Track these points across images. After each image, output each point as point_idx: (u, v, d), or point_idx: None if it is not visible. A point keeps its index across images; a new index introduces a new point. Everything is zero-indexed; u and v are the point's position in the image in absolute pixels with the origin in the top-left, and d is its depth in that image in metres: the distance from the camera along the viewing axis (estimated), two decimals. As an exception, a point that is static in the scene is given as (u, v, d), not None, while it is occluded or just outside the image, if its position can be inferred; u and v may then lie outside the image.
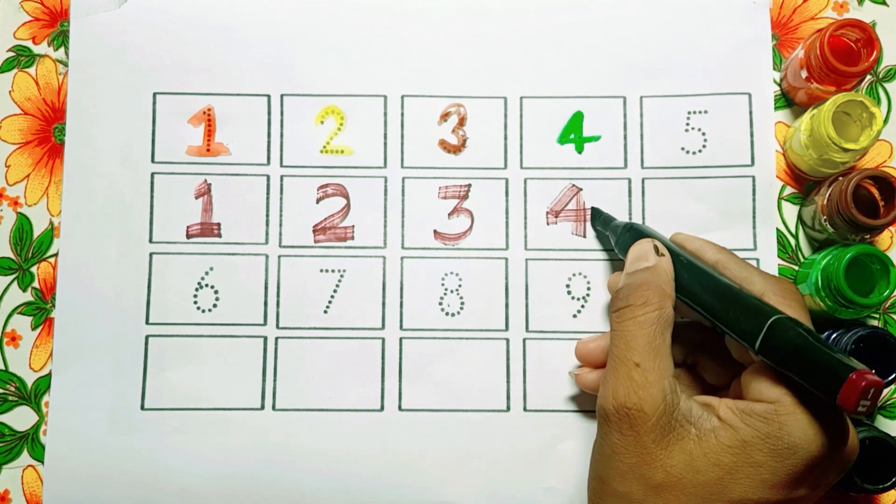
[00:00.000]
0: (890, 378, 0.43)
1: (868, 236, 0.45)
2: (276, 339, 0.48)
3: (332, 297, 0.48)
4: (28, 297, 0.49)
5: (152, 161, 0.49)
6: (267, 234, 0.49)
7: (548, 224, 0.49)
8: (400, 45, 0.50)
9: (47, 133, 0.50)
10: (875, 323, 0.48)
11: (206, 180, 0.49)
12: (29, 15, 0.51)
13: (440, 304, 0.48)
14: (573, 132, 0.49)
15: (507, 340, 0.48)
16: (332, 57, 0.50)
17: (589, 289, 0.48)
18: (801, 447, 0.34)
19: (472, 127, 0.50)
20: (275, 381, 0.48)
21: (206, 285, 0.49)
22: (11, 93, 0.50)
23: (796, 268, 0.48)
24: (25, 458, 0.48)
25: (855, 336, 0.43)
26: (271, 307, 0.48)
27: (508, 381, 0.48)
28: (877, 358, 0.44)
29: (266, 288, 0.49)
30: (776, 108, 0.49)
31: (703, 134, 0.49)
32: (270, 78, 0.50)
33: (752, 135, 0.49)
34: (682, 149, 0.49)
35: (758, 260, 0.48)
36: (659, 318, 0.38)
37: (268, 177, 0.49)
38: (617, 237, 0.45)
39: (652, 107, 0.49)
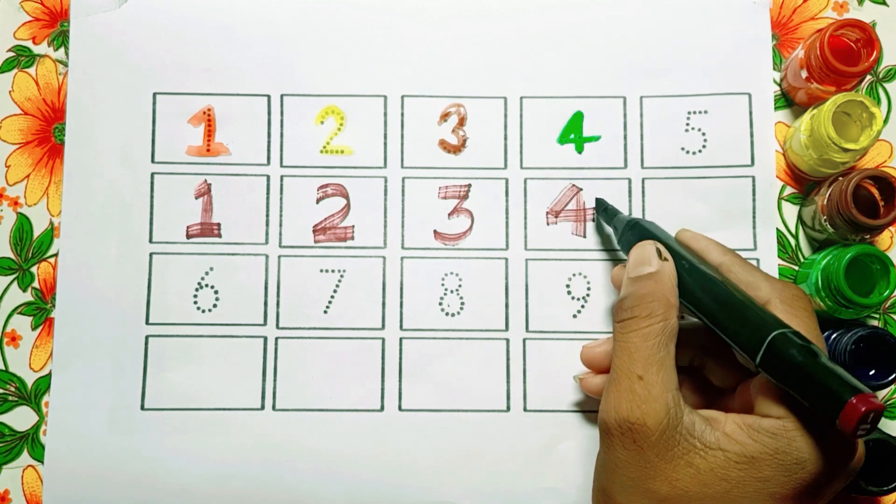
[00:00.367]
0: (890, 378, 0.43)
1: (868, 236, 0.45)
2: (276, 339, 0.48)
3: (332, 297, 0.48)
4: (28, 297, 0.49)
5: (152, 161, 0.49)
6: (267, 234, 0.49)
7: (548, 224, 0.49)
8: (400, 45, 0.50)
9: (47, 133, 0.50)
10: (875, 323, 0.48)
11: (206, 180, 0.49)
12: (29, 15, 0.51)
13: (440, 304, 0.48)
14: (573, 132, 0.49)
15: (507, 340, 0.48)
16: (332, 57, 0.50)
17: (589, 289, 0.48)
18: (809, 462, 0.34)
19: (472, 127, 0.50)
20: (275, 381, 0.48)
21: (206, 285, 0.49)
22: (11, 93, 0.50)
23: (796, 268, 0.48)
24: (25, 458, 0.48)
25: (855, 336, 0.43)
26: (271, 307, 0.48)
27: (508, 381, 0.48)
28: (877, 358, 0.44)
29: (266, 288, 0.49)
30: (776, 108, 0.49)
31: (703, 134, 0.49)
32: (270, 78, 0.50)
33: (752, 135, 0.49)
34: (682, 149, 0.49)
35: (758, 260, 0.48)
36: (663, 330, 0.37)
37: (268, 177, 0.49)
38: (620, 234, 0.45)
39: (652, 107, 0.49)
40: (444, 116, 0.50)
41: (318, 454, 0.47)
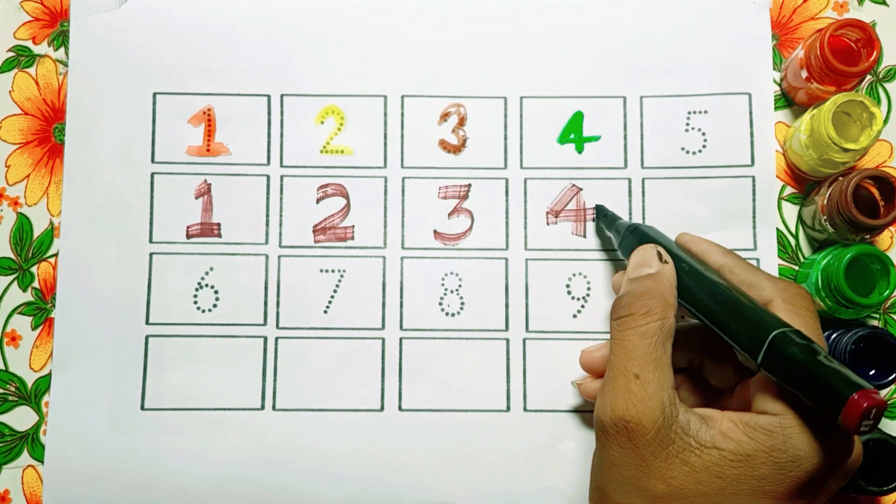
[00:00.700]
0: (890, 378, 0.43)
1: (868, 236, 0.45)
2: (276, 339, 0.48)
3: (332, 297, 0.48)
4: (28, 297, 0.49)
5: (152, 161, 0.49)
6: (267, 234, 0.49)
7: (548, 224, 0.49)
8: (400, 45, 0.50)
9: (47, 133, 0.50)
10: (875, 323, 0.48)
11: (206, 180, 0.49)
12: (29, 15, 0.51)
13: (440, 304, 0.48)
14: (573, 132, 0.49)
15: (507, 340, 0.48)
16: (332, 57, 0.50)
17: (589, 289, 0.48)
18: (805, 460, 0.34)
19: (472, 127, 0.50)
20: (275, 381, 0.48)
21: (206, 285, 0.49)
22: (11, 93, 0.50)
23: (796, 268, 0.48)
24: (25, 458, 0.48)
25: (855, 336, 0.43)
26: (271, 307, 0.48)
27: (508, 381, 0.48)
28: (877, 358, 0.44)
29: (266, 288, 0.49)
30: (776, 108, 0.49)
31: (703, 134, 0.49)
32: (270, 78, 0.50)
33: (752, 135, 0.49)
34: (682, 149, 0.49)
35: (758, 260, 0.48)
36: (661, 329, 0.37)
37: (268, 177, 0.49)
38: (620, 238, 0.45)
39: (652, 107, 0.49)
40: (444, 116, 0.50)
41: (318, 454, 0.47)
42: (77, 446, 0.47)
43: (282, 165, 0.49)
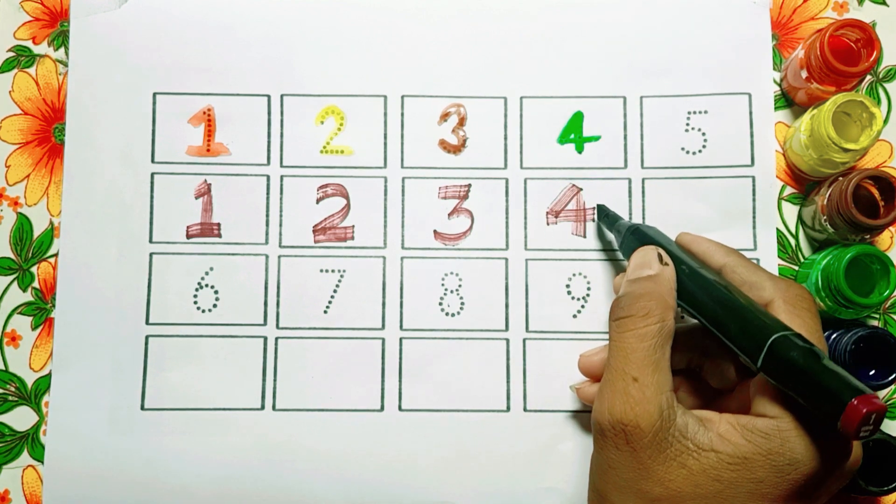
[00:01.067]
0: (890, 378, 0.43)
1: (868, 236, 0.45)
2: (276, 339, 0.48)
3: (332, 297, 0.48)
4: (28, 297, 0.49)
5: (152, 161, 0.49)
6: (267, 234, 0.49)
7: (548, 224, 0.49)
8: (400, 45, 0.50)
9: (47, 133, 0.50)
10: (875, 323, 0.48)
11: (206, 180, 0.49)
12: (29, 15, 0.51)
13: (440, 304, 0.48)
14: (573, 132, 0.49)
15: (507, 340, 0.48)
16: (332, 57, 0.50)
17: (589, 289, 0.48)
18: (803, 463, 0.34)
19: (472, 127, 0.50)
20: (275, 381, 0.48)
21: (206, 285, 0.49)
22: (11, 93, 0.50)
23: (796, 268, 0.48)
24: (25, 458, 0.48)
25: (855, 336, 0.43)
26: (271, 307, 0.48)
27: (508, 381, 0.48)
28: (877, 358, 0.44)
29: (266, 288, 0.49)
30: (776, 108, 0.49)
31: (703, 134, 0.49)
32: (270, 78, 0.50)
33: (752, 135, 0.49)
34: (682, 149, 0.49)
35: (758, 260, 0.48)
36: (660, 331, 0.37)
37: (268, 177, 0.49)
38: (621, 239, 0.45)
39: (652, 107, 0.49)
40: (444, 116, 0.50)
41: (318, 454, 0.47)
42: (77, 446, 0.47)
43: (282, 165, 0.49)
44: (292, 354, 0.48)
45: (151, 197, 0.49)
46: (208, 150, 0.49)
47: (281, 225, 0.49)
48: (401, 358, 0.48)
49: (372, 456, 0.47)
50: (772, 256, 0.48)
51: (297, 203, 0.49)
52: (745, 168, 0.49)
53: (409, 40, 0.50)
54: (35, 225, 0.49)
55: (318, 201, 0.49)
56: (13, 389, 0.48)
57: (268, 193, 0.49)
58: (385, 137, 0.50)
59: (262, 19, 0.50)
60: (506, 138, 0.49)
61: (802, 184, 0.49)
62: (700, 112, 0.49)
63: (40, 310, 0.49)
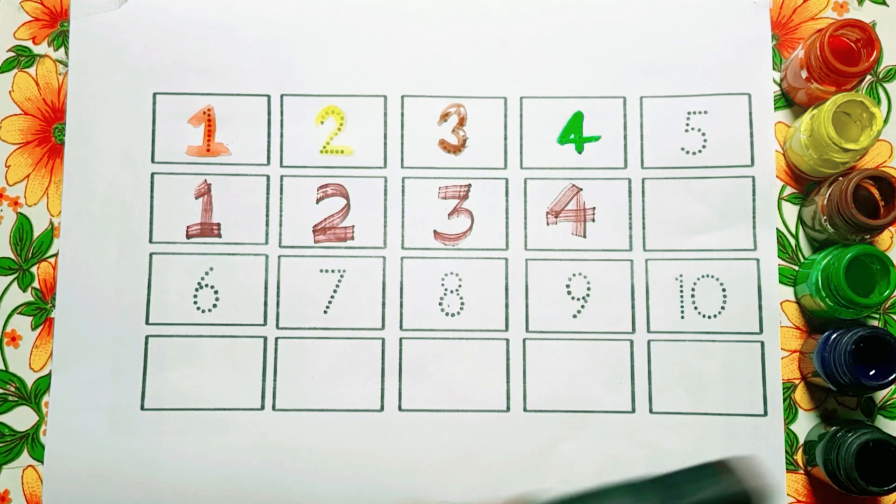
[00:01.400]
0: (890, 378, 0.43)
1: (868, 236, 0.45)
2: (276, 339, 0.48)
3: (332, 297, 0.48)
4: (28, 297, 0.49)
5: (152, 161, 0.49)
6: (267, 234, 0.49)
7: (548, 224, 0.49)
8: (400, 45, 0.50)
9: (47, 133, 0.50)
10: (875, 323, 0.48)
11: (206, 180, 0.49)
12: (29, 15, 0.51)
13: (440, 304, 0.48)
14: (573, 132, 0.49)
15: (507, 340, 0.48)
16: (332, 57, 0.50)
17: (589, 289, 0.48)
18: None
19: (472, 127, 0.50)
20: (275, 381, 0.48)
21: (206, 285, 0.49)
22: (11, 93, 0.50)
23: (796, 268, 0.48)
24: (25, 458, 0.48)
25: (855, 336, 0.43)
26: (271, 307, 0.48)
27: (508, 381, 0.48)
28: (877, 358, 0.43)
29: (266, 288, 0.49)
30: (776, 108, 0.49)
31: (703, 134, 0.49)
32: (270, 78, 0.50)
33: (751, 135, 0.49)
34: (682, 149, 0.49)
35: (758, 260, 0.48)
36: None
37: (268, 177, 0.49)
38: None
39: (652, 107, 0.49)
40: (444, 116, 0.50)
41: (318, 454, 0.47)
42: (77, 446, 0.47)
43: (282, 165, 0.49)
44: (292, 354, 0.48)
45: (151, 197, 0.49)
46: (208, 150, 0.49)
47: (281, 225, 0.49)
48: (401, 358, 0.48)
49: (372, 456, 0.47)
50: (772, 256, 0.48)
51: (297, 203, 0.49)
52: (745, 168, 0.49)
53: (409, 40, 0.50)
54: (35, 225, 0.49)
55: (318, 201, 0.49)
56: (13, 389, 0.48)
57: (268, 193, 0.49)
58: (385, 137, 0.50)
59: (262, 19, 0.50)
60: (506, 138, 0.49)
61: (802, 184, 0.49)
62: (700, 112, 0.49)
63: (40, 310, 0.49)
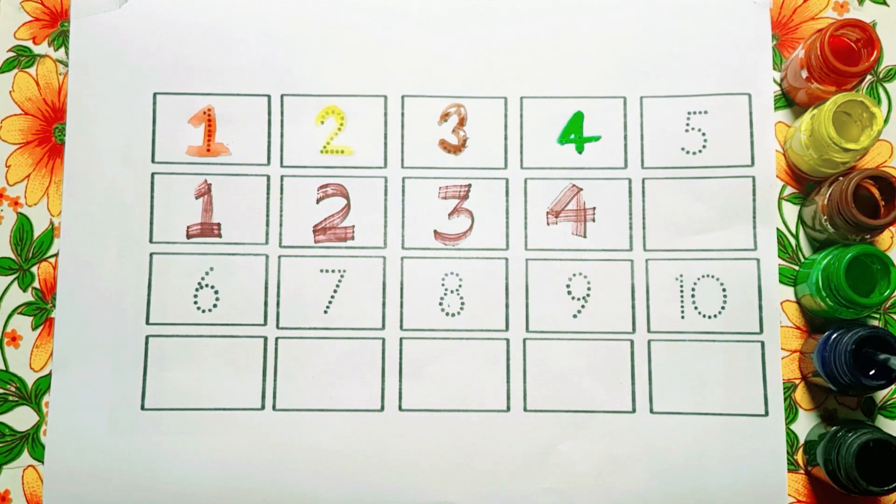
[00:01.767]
0: (890, 378, 0.43)
1: (868, 236, 0.45)
2: (276, 339, 0.48)
3: (333, 297, 0.48)
4: (28, 297, 0.49)
5: (152, 161, 0.49)
6: (267, 234, 0.49)
7: (548, 224, 0.49)
8: (400, 45, 0.50)
9: (47, 133, 0.50)
10: (875, 323, 0.48)
11: (206, 180, 0.49)
12: (29, 15, 0.51)
13: (440, 304, 0.48)
14: (573, 132, 0.49)
15: (507, 340, 0.48)
16: (332, 57, 0.50)
17: (589, 289, 0.48)
18: None
19: (472, 127, 0.50)
20: (275, 381, 0.48)
21: (206, 285, 0.49)
22: (12, 93, 0.50)
23: (796, 268, 0.48)
24: (25, 458, 0.48)
25: (855, 336, 0.43)
26: (271, 307, 0.48)
27: (508, 381, 0.48)
28: (877, 358, 0.43)
29: (266, 288, 0.49)
30: (776, 108, 0.49)
31: (703, 134, 0.49)
32: (270, 78, 0.50)
33: (752, 135, 0.49)
34: (682, 149, 0.49)
35: (758, 260, 0.48)
36: None
37: (268, 177, 0.49)
38: None
39: (652, 107, 0.49)
40: (444, 116, 0.50)
41: (318, 454, 0.47)
42: (77, 446, 0.47)
43: (282, 165, 0.49)
44: (292, 354, 0.48)
45: (151, 197, 0.49)
46: (208, 150, 0.49)
47: (281, 225, 0.49)
48: (401, 358, 0.48)
49: (372, 456, 0.47)
50: (772, 256, 0.48)
51: (297, 203, 0.49)
52: (745, 168, 0.49)
53: (409, 40, 0.50)
54: (35, 225, 0.49)
55: (318, 201, 0.49)
56: (13, 389, 0.48)
57: (268, 193, 0.49)
58: (385, 137, 0.50)
59: (262, 19, 0.50)
60: (506, 138, 0.49)
61: (802, 184, 0.49)
62: (700, 112, 0.49)
63: (40, 310, 0.49)
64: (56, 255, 0.49)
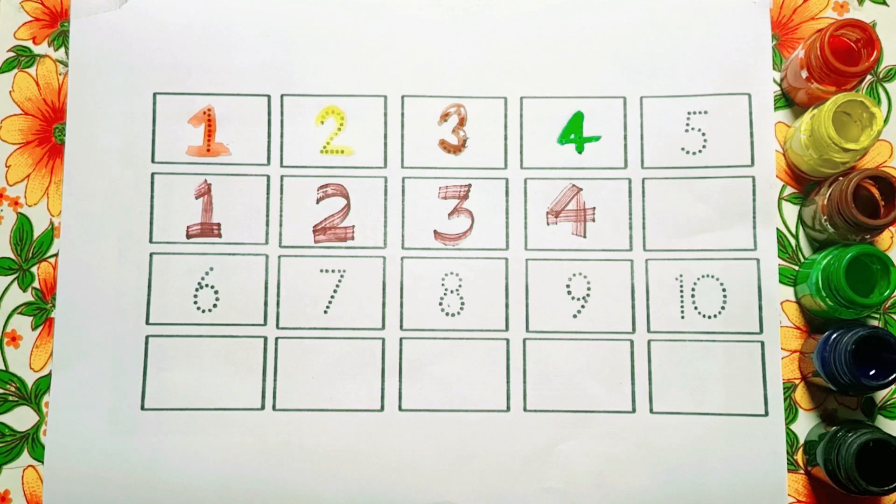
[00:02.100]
0: (890, 378, 0.43)
1: (868, 236, 0.45)
2: (276, 339, 0.48)
3: (332, 297, 0.48)
4: (28, 297, 0.49)
5: (152, 161, 0.49)
6: (267, 234, 0.49)
7: (548, 224, 0.49)
8: (400, 45, 0.50)
9: (47, 133, 0.50)
10: (875, 323, 0.48)
11: (206, 180, 0.49)
12: (29, 15, 0.51)
13: (440, 304, 0.48)
14: (573, 132, 0.49)
15: (507, 340, 0.48)
16: (332, 57, 0.50)
17: (589, 289, 0.48)
18: None
19: (472, 127, 0.50)
20: (275, 381, 0.48)
21: (206, 285, 0.49)
22: (12, 93, 0.50)
23: (796, 268, 0.48)
24: (25, 458, 0.48)
25: (855, 336, 0.43)
26: (271, 307, 0.48)
27: (508, 381, 0.48)
28: (877, 358, 0.43)
29: (266, 288, 0.49)
30: (776, 108, 0.49)
31: (703, 134, 0.49)
32: (270, 78, 0.50)
33: (752, 135, 0.49)
34: (682, 149, 0.49)
35: (758, 260, 0.48)
36: None
37: (268, 177, 0.49)
38: None
39: (652, 107, 0.49)
40: (444, 116, 0.50)
41: (318, 454, 0.47)
42: (77, 446, 0.47)
43: (282, 165, 0.49)
44: (292, 354, 0.48)
45: (151, 197, 0.49)
46: (208, 150, 0.49)
47: (281, 225, 0.49)
48: (401, 358, 0.48)
49: (372, 456, 0.47)
50: (772, 256, 0.48)
51: (297, 203, 0.49)
52: (745, 168, 0.49)
53: (409, 40, 0.50)
54: (35, 225, 0.49)
55: (318, 201, 0.49)
56: (13, 389, 0.48)
57: (268, 193, 0.49)
58: (385, 137, 0.50)
59: (262, 19, 0.50)
60: (506, 138, 0.49)
61: (802, 184, 0.49)
62: (700, 112, 0.49)
63: (40, 310, 0.49)
64: (56, 255, 0.49)
